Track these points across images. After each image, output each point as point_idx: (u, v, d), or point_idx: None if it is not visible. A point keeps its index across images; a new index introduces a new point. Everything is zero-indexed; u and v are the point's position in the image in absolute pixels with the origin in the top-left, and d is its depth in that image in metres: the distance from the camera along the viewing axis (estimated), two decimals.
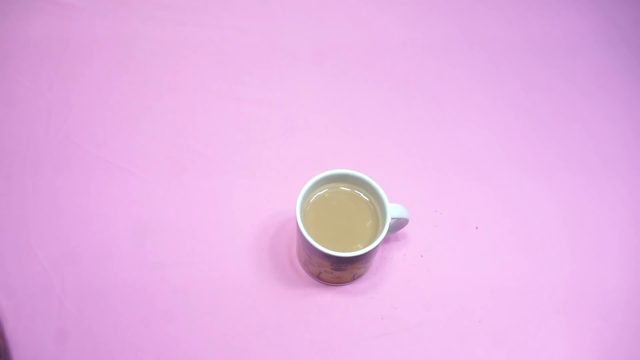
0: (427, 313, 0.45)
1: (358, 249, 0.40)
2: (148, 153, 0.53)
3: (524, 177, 0.54)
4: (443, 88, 0.60)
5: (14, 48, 0.59)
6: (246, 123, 0.56)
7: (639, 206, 0.53)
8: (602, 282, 0.48)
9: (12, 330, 0.42)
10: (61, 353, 0.42)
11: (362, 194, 0.44)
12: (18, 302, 0.44)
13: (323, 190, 0.45)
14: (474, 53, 0.64)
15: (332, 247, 0.40)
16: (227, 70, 0.60)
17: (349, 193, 0.45)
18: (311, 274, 0.46)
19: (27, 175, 0.51)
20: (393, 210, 0.42)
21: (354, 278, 0.46)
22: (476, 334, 0.44)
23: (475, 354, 0.43)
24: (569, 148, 0.56)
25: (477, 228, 0.50)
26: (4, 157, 0.52)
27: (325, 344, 0.43)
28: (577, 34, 0.67)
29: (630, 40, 0.66)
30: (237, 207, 0.50)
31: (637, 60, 0.65)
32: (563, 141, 0.57)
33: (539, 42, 0.66)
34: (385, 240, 0.49)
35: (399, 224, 0.45)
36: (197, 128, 0.55)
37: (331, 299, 0.46)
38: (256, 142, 0.54)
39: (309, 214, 0.43)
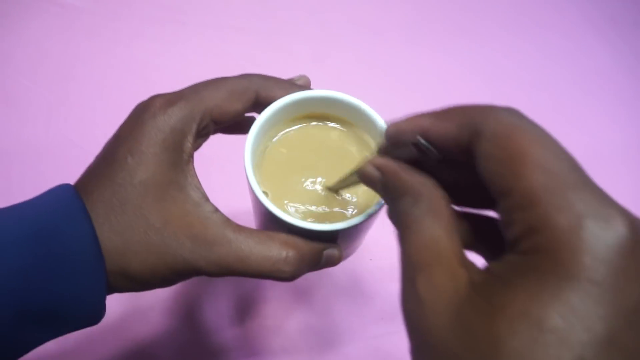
0: None
1: (344, 220, 0.27)
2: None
3: None
4: (443, 88, 0.60)
5: (14, 48, 0.59)
6: None
7: None
8: None
9: None
10: (62, 353, 0.42)
11: (352, 138, 0.32)
12: None
13: (292, 128, 0.32)
14: (473, 53, 0.64)
15: (303, 216, 0.29)
16: (227, 70, 0.59)
17: (328, 132, 0.32)
18: None
19: (27, 175, 0.51)
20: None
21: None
22: None
23: None
24: (569, 148, 0.56)
25: None
26: (4, 157, 0.52)
27: (325, 344, 0.43)
28: (577, 34, 0.67)
29: (630, 40, 0.66)
30: (237, 207, 0.50)
31: (637, 60, 0.65)
32: (563, 141, 0.57)
33: (539, 42, 0.66)
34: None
35: None
36: None
37: (330, 299, 0.46)
38: None
39: (266, 165, 0.31)
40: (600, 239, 0.16)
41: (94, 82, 0.58)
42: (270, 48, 0.62)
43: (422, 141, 0.20)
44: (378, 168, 0.22)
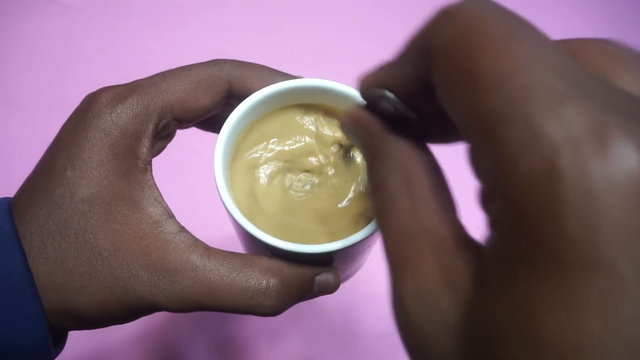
0: None
1: (345, 236, 0.21)
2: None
3: None
4: None
5: (14, 48, 0.59)
6: None
7: None
8: None
9: None
10: None
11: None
12: None
13: (276, 121, 0.26)
14: None
15: (291, 236, 0.23)
16: None
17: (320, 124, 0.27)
18: None
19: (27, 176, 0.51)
20: None
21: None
22: None
23: None
24: None
25: (477, 228, 0.50)
26: (4, 157, 0.52)
27: (325, 344, 0.43)
28: (578, 34, 0.67)
29: (631, 41, 0.66)
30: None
31: None
32: None
33: None
34: None
35: None
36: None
37: (331, 299, 0.45)
38: None
39: (245, 174, 0.26)
40: (591, 183, 0.09)
41: (94, 82, 0.57)
42: (271, 48, 0.62)
43: (389, 95, 0.16)
44: (354, 119, 0.17)
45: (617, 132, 0.10)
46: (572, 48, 0.14)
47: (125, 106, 0.22)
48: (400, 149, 0.15)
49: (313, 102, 0.26)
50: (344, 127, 0.18)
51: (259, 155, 0.26)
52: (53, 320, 0.20)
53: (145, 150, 0.22)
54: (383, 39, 0.65)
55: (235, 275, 0.20)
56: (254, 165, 0.26)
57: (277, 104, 0.25)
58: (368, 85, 0.16)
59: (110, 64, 0.59)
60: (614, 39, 0.15)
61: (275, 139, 0.27)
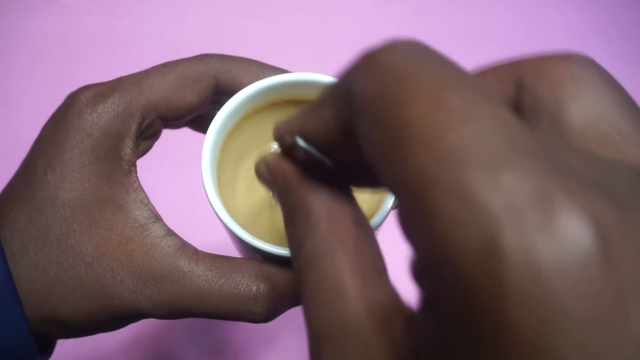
0: None
1: None
2: (147, 153, 0.53)
3: None
4: None
5: (13, 47, 0.59)
6: None
7: None
8: None
9: None
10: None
11: None
12: None
13: (266, 116, 0.25)
14: (474, 52, 0.63)
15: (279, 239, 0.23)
16: None
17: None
18: None
19: None
20: None
21: None
22: None
23: None
24: None
25: None
26: (4, 157, 0.52)
27: None
28: (578, 33, 0.67)
29: (631, 40, 0.66)
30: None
31: (637, 60, 0.65)
32: None
33: (540, 42, 0.65)
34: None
35: None
36: None
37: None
38: None
39: (234, 174, 0.26)
40: (537, 265, 0.08)
41: (93, 82, 0.57)
42: (270, 47, 0.62)
43: (301, 143, 0.15)
44: (269, 169, 0.15)
45: (564, 203, 0.09)
46: (533, 67, 0.14)
47: (106, 105, 0.21)
48: (320, 203, 0.13)
49: (305, 98, 0.25)
50: (260, 178, 0.16)
51: (249, 154, 0.25)
52: (37, 328, 0.19)
53: (128, 151, 0.21)
54: (381, 39, 0.65)
55: (224, 280, 0.19)
56: (244, 166, 0.25)
57: (268, 100, 0.25)
58: (280, 132, 0.15)
59: (109, 64, 0.59)
60: (583, 55, 0.14)
61: (266, 138, 0.25)
